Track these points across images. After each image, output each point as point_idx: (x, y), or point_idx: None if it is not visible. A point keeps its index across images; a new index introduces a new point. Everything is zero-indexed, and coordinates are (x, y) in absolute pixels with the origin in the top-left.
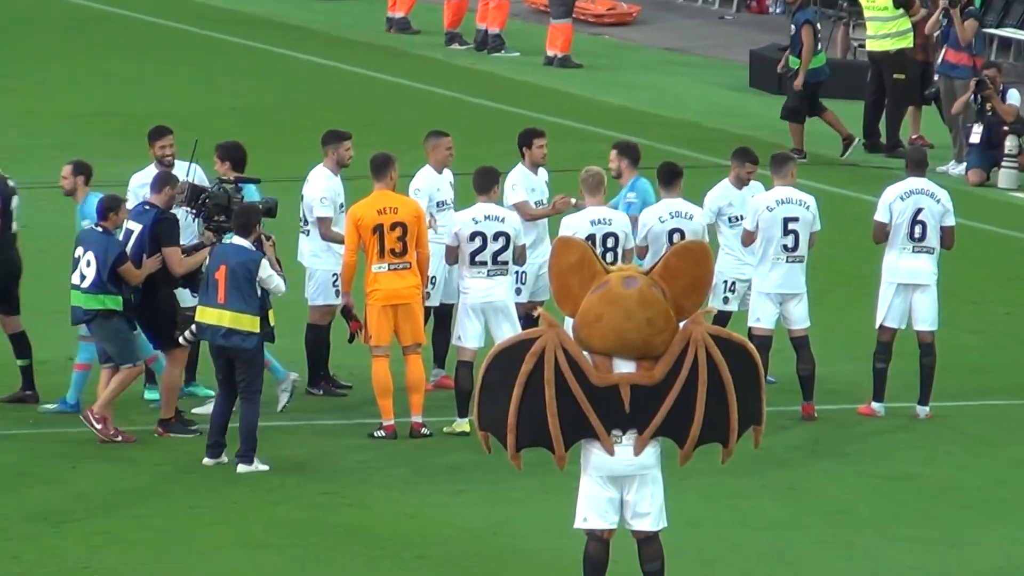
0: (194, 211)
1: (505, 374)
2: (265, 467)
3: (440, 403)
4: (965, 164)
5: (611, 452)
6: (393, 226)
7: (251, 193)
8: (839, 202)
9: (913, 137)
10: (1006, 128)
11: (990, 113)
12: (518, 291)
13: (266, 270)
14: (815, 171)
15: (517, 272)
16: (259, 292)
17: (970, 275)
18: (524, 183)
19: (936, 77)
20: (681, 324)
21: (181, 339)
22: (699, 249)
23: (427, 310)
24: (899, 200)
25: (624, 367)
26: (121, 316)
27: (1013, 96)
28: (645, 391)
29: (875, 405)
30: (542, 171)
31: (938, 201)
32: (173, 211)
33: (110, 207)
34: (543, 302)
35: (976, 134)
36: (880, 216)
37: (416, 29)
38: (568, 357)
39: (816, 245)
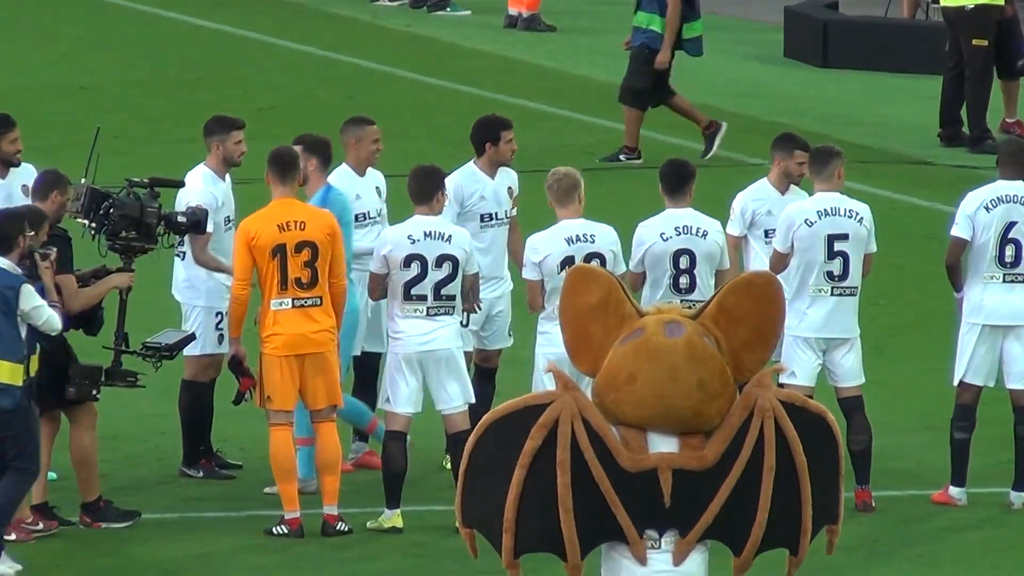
0: (94, 224)
1: (503, 453)
2: (11, 568)
3: (363, 488)
4: None
5: (643, 561)
6: (299, 247)
7: (213, 200)
8: (905, 213)
9: (1008, 122)
10: None
11: None
12: None
13: (30, 300)
14: (871, 171)
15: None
16: (23, 331)
17: None
18: (467, 189)
19: None
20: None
21: None
22: (766, 283)
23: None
24: (983, 211)
25: (664, 445)
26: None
27: None
28: (692, 478)
29: (954, 491)
30: (504, 172)
31: None
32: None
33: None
34: (499, 351)
35: None
36: (959, 230)
37: None
38: (589, 431)
39: (872, 272)
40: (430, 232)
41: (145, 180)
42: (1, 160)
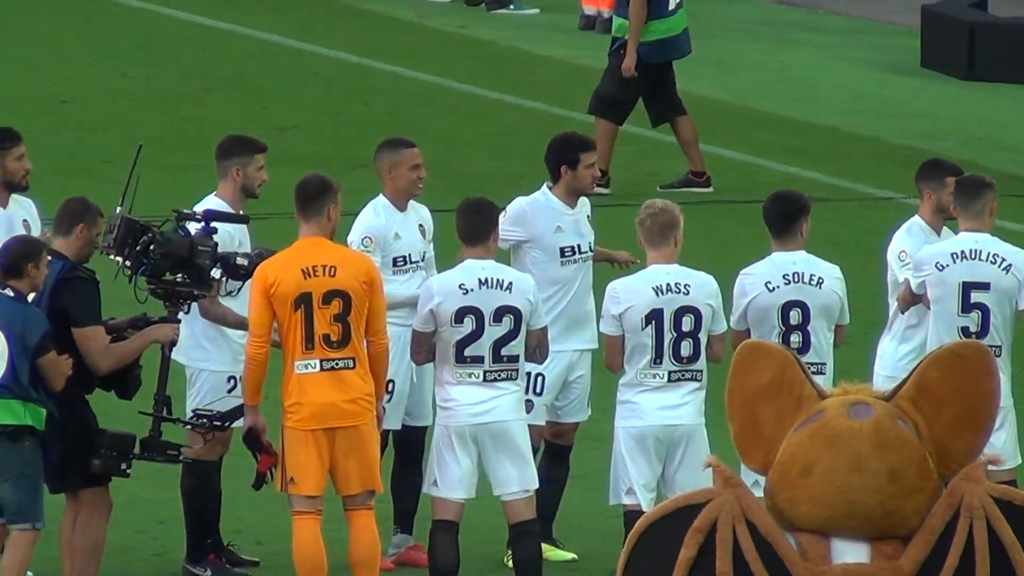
0: (129, 263)
1: (657, 566)
2: None
3: None
4: None
5: None
6: (328, 297)
7: (227, 237)
8: None
9: None
10: None
11: None
12: (528, 405)
13: None
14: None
15: (529, 374)
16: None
17: None
18: (536, 216)
19: None
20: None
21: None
22: (976, 355)
23: (383, 437)
24: None
25: (850, 553)
26: (36, 441)
27: None
28: None
29: None
30: (583, 202)
31: None
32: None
33: (26, 255)
34: (576, 425)
35: None
36: None
37: None
38: (756, 536)
39: None
40: (486, 280)
41: (198, 213)
42: (4, 182)
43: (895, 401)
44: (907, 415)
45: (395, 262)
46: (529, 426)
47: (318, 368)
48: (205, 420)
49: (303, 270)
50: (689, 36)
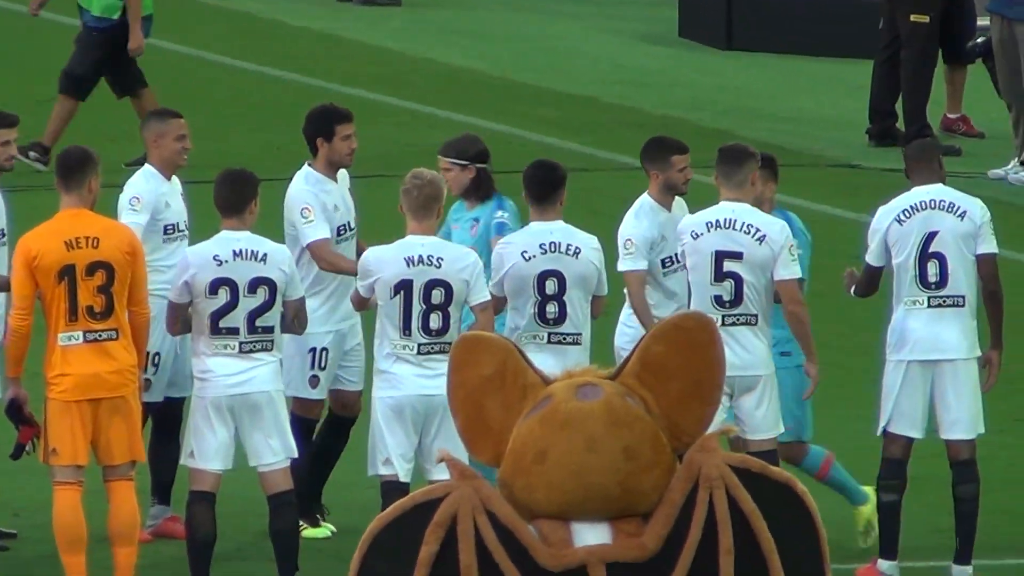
0: None
1: (395, 568)
2: None
3: (164, 561)
4: None
5: None
6: (91, 269)
7: None
8: (826, 228)
9: (950, 117)
10: None
11: None
12: (314, 381)
13: None
14: (785, 176)
15: (314, 350)
16: None
17: None
18: (317, 199)
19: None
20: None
21: None
22: (697, 326)
23: (144, 408)
24: (896, 224)
25: (591, 535)
26: None
27: None
28: (633, 573)
29: (883, 564)
30: (344, 175)
31: (962, 216)
32: None
33: None
34: (360, 393)
35: None
36: (872, 257)
37: None
38: (497, 526)
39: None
40: (241, 251)
41: None
42: None
43: (621, 379)
44: (634, 392)
45: (165, 229)
46: (313, 401)
47: (81, 340)
48: None
49: (66, 242)
50: None
